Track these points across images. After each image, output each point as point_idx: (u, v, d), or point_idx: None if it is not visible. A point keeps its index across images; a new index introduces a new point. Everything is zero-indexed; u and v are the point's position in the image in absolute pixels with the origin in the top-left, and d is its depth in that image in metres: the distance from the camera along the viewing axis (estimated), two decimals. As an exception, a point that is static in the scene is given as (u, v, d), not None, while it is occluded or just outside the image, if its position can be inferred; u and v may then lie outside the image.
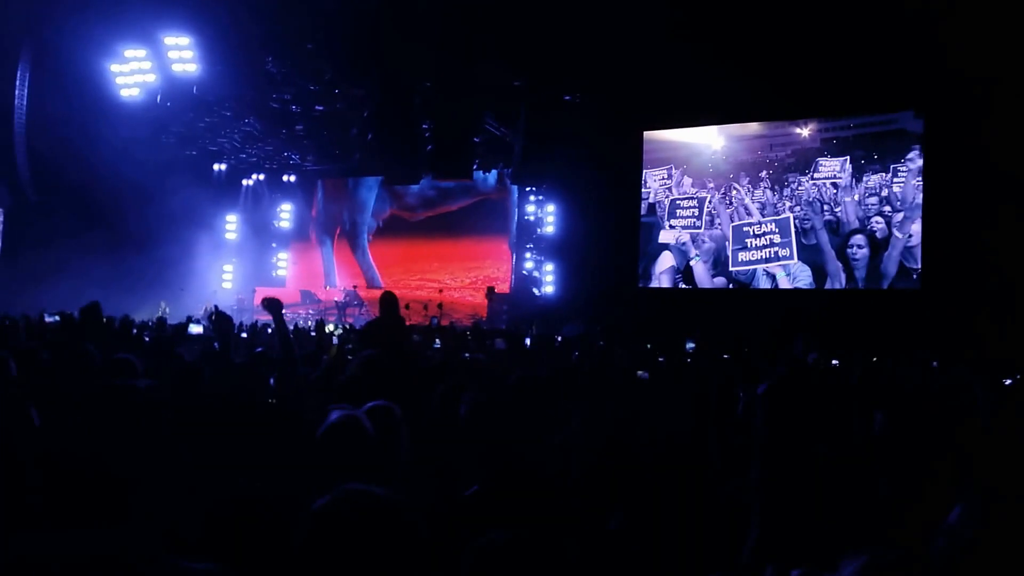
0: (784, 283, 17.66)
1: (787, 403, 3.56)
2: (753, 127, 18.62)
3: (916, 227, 16.27)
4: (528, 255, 23.08)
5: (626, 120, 19.44)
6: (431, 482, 3.27)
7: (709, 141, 19.16)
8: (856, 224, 17.00)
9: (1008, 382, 7.57)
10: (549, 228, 22.51)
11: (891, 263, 16.54)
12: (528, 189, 23.01)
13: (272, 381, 5.37)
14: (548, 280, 22.38)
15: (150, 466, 2.23)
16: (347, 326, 19.06)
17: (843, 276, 17.09)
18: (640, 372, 7.36)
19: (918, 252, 16.24)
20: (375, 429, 3.19)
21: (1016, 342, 11.25)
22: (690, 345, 11.80)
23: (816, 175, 17.48)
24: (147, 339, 11.53)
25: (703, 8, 15.27)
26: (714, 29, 15.42)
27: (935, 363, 9.37)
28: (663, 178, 19.76)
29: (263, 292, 25.44)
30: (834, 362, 9.85)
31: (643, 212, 20.00)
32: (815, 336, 11.22)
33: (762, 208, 18.10)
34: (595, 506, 3.06)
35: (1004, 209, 13.90)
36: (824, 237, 17.20)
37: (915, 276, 16.24)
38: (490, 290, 19.03)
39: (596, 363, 8.00)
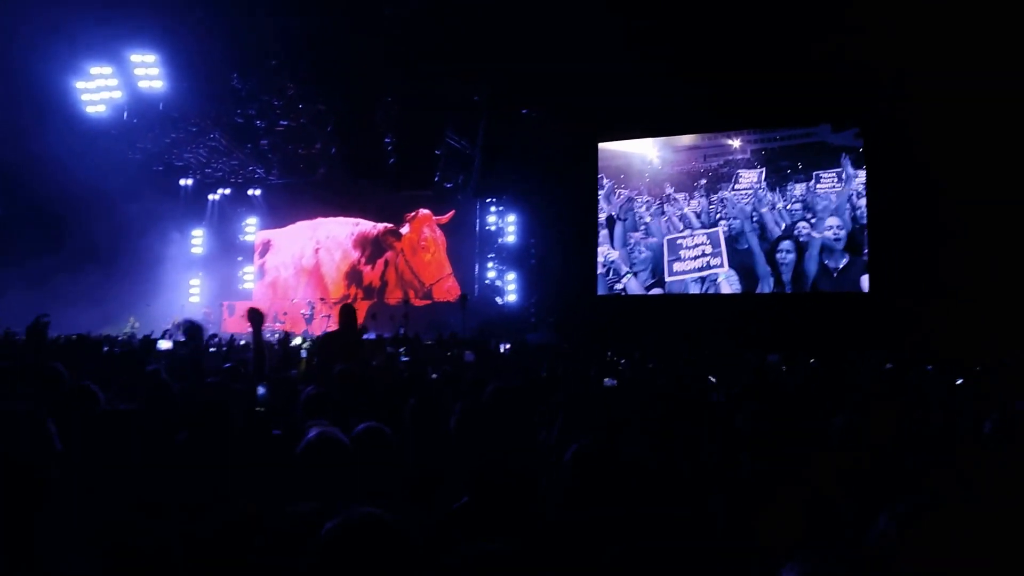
0: (723, 288, 18.38)
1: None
2: (690, 139, 19.35)
3: (833, 231, 17.12)
4: (490, 264, 23.61)
5: (581, 132, 19.97)
6: (417, 495, 3.27)
7: (645, 152, 19.83)
8: (782, 230, 17.90)
9: (959, 382, 7.73)
10: (510, 238, 23.04)
11: (812, 264, 17.42)
12: (488, 200, 23.53)
13: (262, 391, 5.42)
14: (510, 289, 22.90)
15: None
16: (313, 339, 19.37)
17: (771, 280, 17.93)
18: (607, 380, 7.56)
19: (839, 254, 17.08)
20: (367, 450, 3.24)
21: (962, 341, 11.76)
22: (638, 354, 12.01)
23: (742, 184, 18.37)
24: (116, 352, 11.62)
25: (652, 26, 15.81)
26: (662, 46, 15.92)
27: (889, 365, 9.53)
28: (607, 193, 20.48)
29: (236, 308, 25.78)
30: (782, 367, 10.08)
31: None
32: (768, 339, 11.60)
33: (697, 215, 18.87)
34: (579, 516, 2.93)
35: (943, 213, 14.58)
36: (755, 243, 18.03)
37: (835, 275, 17.07)
38: (463, 298, 19.40)
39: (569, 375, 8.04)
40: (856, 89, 15.82)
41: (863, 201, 16.97)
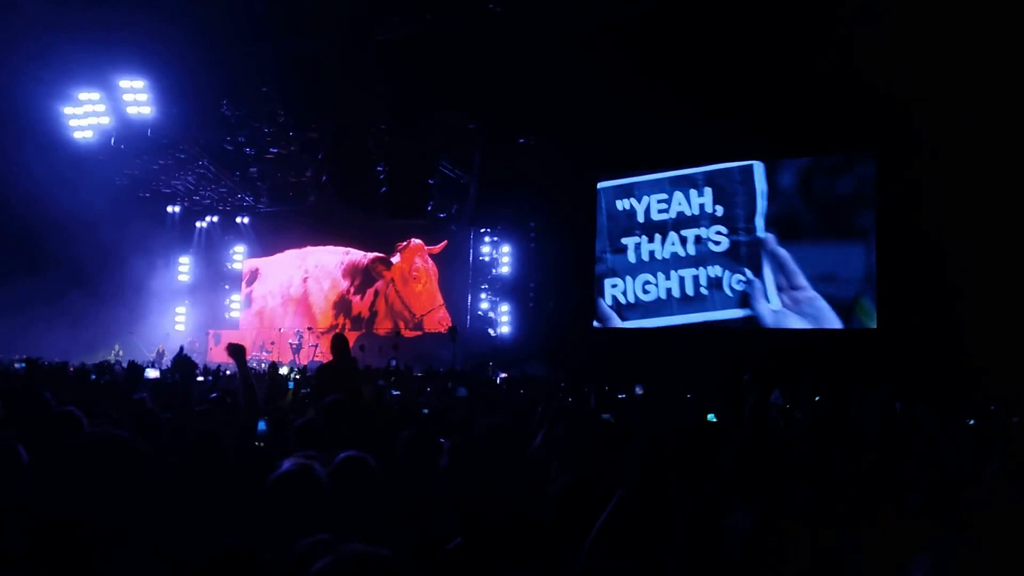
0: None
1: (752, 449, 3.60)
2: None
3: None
4: (483, 296, 23.31)
5: (579, 163, 19.74)
6: (409, 534, 3.16)
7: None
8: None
9: (971, 422, 7.57)
10: (504, 269, 22.79)
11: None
12: (483, 230, 23.30)
13: (263, 424, 5.29)
14: (504, 320, 22.60)
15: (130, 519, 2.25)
16: (301, 368, 19.03)
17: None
18: (605, 415, 7.30)
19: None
20: (349, 479, 3.17)
21: (974, 379, 11.55)
22: (639, 390, 11.76)
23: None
24: (102, 381, 11.40)
25: (649, 57, 15.76)
26: (661, 76, 15.86)
27: (898, 404, 9.43)
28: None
29: (222, 337, 25.47)
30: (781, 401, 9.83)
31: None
32: (773, 376, 11.26)
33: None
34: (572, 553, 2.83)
35: (955, 247, 14.25)
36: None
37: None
38: (452, 330, 19.21)
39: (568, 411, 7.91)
40: (869, 118, 15.61)
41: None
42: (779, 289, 15.52)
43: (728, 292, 15.76)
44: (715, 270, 15.78)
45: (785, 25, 14.70)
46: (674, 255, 16.15)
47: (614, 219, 16.86)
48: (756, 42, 15.15)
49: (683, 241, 16.09)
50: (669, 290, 16.05)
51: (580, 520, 2.84)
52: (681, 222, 16.20)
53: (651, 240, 16.47)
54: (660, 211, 16.40)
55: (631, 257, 16.54)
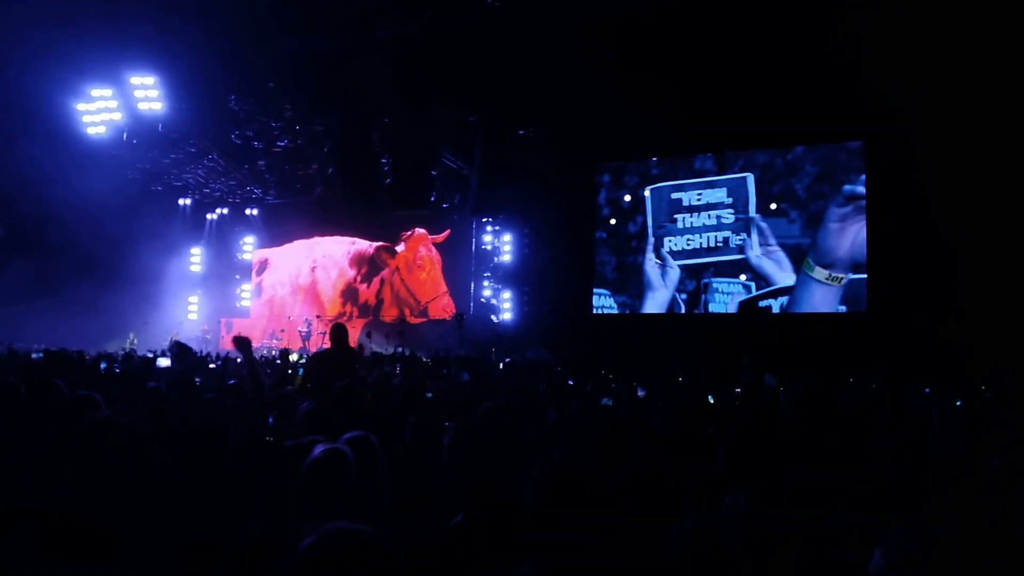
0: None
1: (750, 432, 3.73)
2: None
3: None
4: (486, 283, 23.85)
5: (579, 152, 20.30)
6: (412, 513, 3.21)
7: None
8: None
9: (959, 403, 7.74)
10: (506, 257, 23.29)
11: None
12: (484, 220, 23.79)
13: (271, 420, 5.27)
14: (506, 307, 23.14)
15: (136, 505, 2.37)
16: (310, 356, 19.53)
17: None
18: (604, 399, 7.67)
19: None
20: (353, 459, 3.21)
21: (962, 362, 11.80)
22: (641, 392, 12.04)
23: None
24: (116, 370, 11.76)
25: (647, 47, 16.15)
26: (661, 66, 16.34)
27: (887, 386, 9.41)
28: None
29: (234, 325, 25.97)
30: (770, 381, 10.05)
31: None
32: (764, 360, 11.59)
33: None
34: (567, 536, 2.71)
35: (944, 231, 14.53)
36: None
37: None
38: (459, 316, 19.70)
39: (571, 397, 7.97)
40: (860, 104, 15.91)
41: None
42: (760, 245, 19.39)
43: (732, 245, 19.73)
44: (726, 232, 19.93)
45: (771, 23, 15.08)
46: (703, 224, 20.30)
47: (671, 203, 20.76)
48: (746, 39, 15.53)
49: (709, 216, 20.21)
50: (700, 243, 20.24)
51: (560, 503, 2.73)
52: (708, 206, 20.22)
53: (690, 215, 20.51)
54: (696, 199, 20.39)
55: (679, 225, 20.54)
